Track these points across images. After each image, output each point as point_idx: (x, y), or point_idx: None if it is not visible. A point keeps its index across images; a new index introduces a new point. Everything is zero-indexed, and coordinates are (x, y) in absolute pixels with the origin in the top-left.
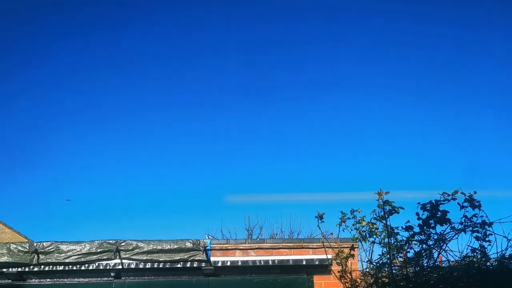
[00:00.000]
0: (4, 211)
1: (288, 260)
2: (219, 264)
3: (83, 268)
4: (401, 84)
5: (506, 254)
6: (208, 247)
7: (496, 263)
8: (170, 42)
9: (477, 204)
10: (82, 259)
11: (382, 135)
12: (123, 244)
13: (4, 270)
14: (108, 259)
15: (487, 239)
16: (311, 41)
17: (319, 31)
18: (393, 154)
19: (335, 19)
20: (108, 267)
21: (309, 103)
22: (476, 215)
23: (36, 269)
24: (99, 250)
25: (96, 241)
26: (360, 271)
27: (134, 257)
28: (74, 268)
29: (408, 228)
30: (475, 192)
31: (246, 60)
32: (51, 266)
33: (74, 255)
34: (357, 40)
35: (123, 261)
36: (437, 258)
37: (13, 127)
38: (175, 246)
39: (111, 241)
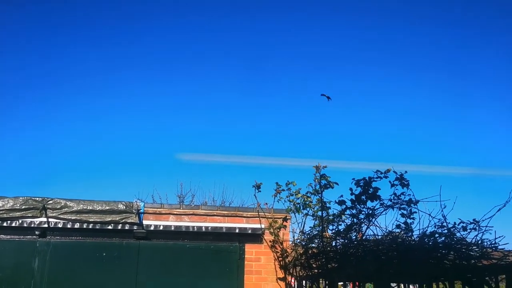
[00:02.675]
0: None
1: (221, 228)
2: (152, 228)
3: (5, 224)
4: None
5: (427, 232)
6: (141, 210)
7: (418, 239)
8: None
9: (406, 183)
10: (5, 215)
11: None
12: (50, 202)
13: None
14: (33, 216)
15: (412, 216)
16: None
17: None
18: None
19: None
20: (32, 225)
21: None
22: (404, 193)
23: None
24: (23, 207)
25: (20, 198)
26: (291, 241)
27: (62, 216)
28: None
29: (341, 202)
30: (405, 172)
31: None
32: None
33: None
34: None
35: (50, 219)
36: (365, 232)
37: None
38: (107, 208)
39: (37, 199)
